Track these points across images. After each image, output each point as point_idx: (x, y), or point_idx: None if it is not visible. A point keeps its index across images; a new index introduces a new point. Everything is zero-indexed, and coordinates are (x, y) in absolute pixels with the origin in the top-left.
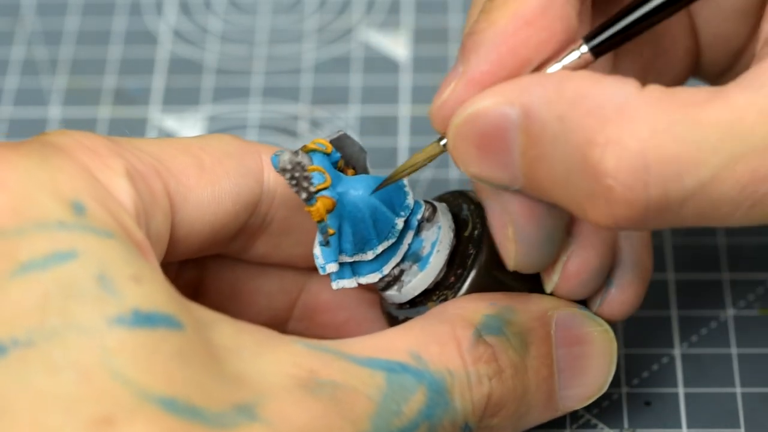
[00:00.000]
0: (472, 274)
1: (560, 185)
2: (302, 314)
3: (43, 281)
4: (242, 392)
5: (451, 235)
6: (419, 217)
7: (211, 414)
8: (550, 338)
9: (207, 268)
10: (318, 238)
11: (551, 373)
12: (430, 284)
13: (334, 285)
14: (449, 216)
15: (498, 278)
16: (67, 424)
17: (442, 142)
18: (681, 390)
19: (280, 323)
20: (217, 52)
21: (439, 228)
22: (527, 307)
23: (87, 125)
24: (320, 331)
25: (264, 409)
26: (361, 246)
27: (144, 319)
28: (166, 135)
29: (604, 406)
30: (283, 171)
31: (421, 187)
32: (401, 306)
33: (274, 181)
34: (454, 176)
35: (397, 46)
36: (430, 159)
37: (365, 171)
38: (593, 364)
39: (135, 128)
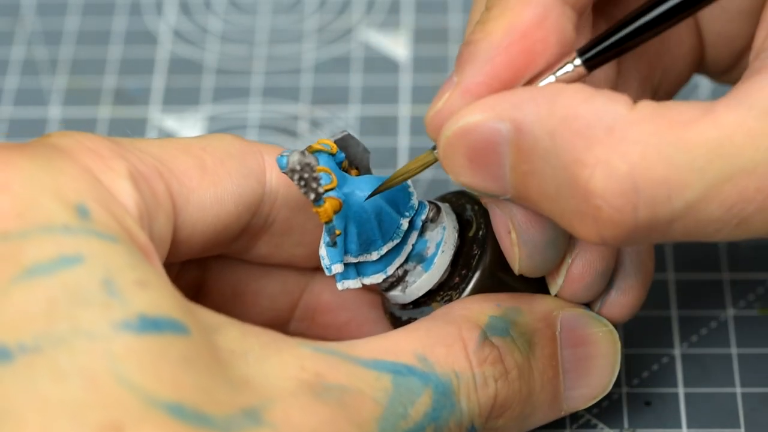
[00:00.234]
0: (477, 274)
1: (549, 200)
2: (304, 315)
3: (50, 286)
4: (248, 397)
5: (456, 235)
6: (423, 217)
7: (218, 419)
8: (556, 339)
9: (209, 268)
10: (324, 238)
11: (556, 374)
12: (435, 285)
13: (339, 285)
14: (453, 216)
15: (502, 279)
16: (75, 430)
17: (436, 151)
18: (681, 390)
19: (282, 324)
20: (217, 52)
21: (444, 228)
22: (532, 307)
23: (87, 125)
24: (322, 332)
25: (270, 413)
26: (366, 246)
27: (150, 325)
28: (166, 135)
29: (604, 406)
30: (291, 172)
31: (422, 187)
32: (405, 307)
33: (276, 181)
34: None
35: (397, 46)
36: (424, 167)
37: (368, 171)
38: (598, 365)
39: (135, 128)
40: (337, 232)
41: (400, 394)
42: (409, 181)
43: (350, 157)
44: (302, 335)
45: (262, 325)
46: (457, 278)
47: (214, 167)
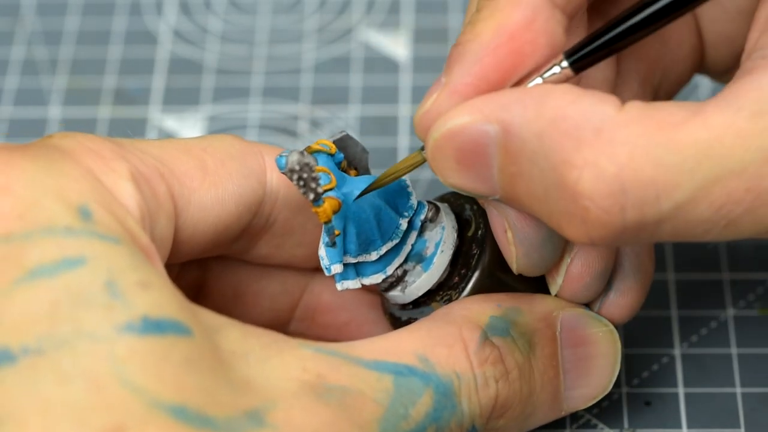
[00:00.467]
0: (476, 274)
1: (538, 201)
2: (304, 315)
3: (52, 288)
4: (251, 398)
5: (455, 235)
6: (422, 217)
7: (221, 421)
8: (556, 339)
9: (209, 269)
10: (324, 238)
11: (557, 374)
12: (434, 285)
13: (339, 286)
14: (452, 216)
15: (501, 279)
16: None
17: (424, 152)
18: (681, 390)
19: (282, 324)
20: (217, 52)
21: (443, 228)
22: (533, 308)
23: (87, 125)
24: (322, 332)
25: (272, 415)
26: (365, 247)
27: (153, 326)
28: (166, 135)
29: (604, 406)
30: (290, 172)
31: (422, 187)
32: (404, 307)
33: (276, 182)
34: None
35: (397, 46)
36: (413, 167)
37: (367, 171)
38: (598, 365)
39: (135, 128)
40: (336, 232)
41: (401, 394)
42: (408, 181)
43: (349, 158)
44: (302, 336)
45: (263, 326)
46: (457, 278)
47: (215, 168)
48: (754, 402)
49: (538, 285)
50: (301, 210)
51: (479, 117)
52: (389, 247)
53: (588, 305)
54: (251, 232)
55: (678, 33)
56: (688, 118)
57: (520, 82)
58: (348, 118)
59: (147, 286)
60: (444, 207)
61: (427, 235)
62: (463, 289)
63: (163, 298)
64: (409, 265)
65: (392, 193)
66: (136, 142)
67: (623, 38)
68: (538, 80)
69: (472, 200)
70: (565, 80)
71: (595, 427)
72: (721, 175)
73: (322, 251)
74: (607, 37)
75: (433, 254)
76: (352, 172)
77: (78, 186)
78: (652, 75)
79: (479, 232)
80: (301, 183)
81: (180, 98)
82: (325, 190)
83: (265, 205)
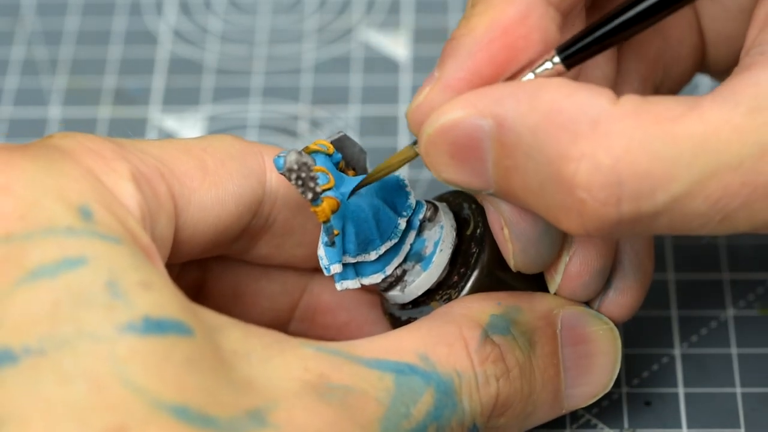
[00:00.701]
0: (475, 273)
1: (533, 194)
2: (304, 315)
3: (53, 288)
4: (252, 398)
5: (454, 234)
6: (421, 216)
7: (223, 421)
8: (556, 337)
9: (209, 269)
10: (323, 238)
11: (557, 372)
12: (433, 284)
13: (338, 286)
14: (451, 215)
15: (501, 277)
16: None
17: (417, 146)
18: (681, 390)
19: (282, 324)
20: (217, 52)
21: (442, 227)
22: (533, 306)
23: (87, 125)
24: (321, 332)
25: (274, 415)
26: (364, 246)
27: (154, 326)
28: (166, 135)
29: (604, 406)
30: (289, 171)
31: (422, 187)
32: (404, 306)
33: (276, 182)
34: None
35: (397, 46)
36: (405, 161)
37: (365, 172)
38: (598, 363)
39: (135, 128)
40: (335, 231)
41: (402, 393)
42: (406, 181)
43: (347, 158)
44: (302, 335)
45: (263, 326)
46: (456, 277)
47: (215, 168)
48: (754, 402)
49: (537, 283)
50: (301, 210)
51: (473, 111)
52: (388, 247)
53: (588, 304)
54: (251, 232)
55: (679, 31)
56: (685, 112)
57: (512, 77)
58: (348, 118)
59: (148, 286)
60: (442, 206)
61: (426, 234)
62: (463, 288)
63: (165, 298)
64: (408, 265)
65: (390, 192)
66: (136, 142)
67: (614, 34)
68: (530, 75)
69: (470, 199)
70: (557, 76)
71: (595, 427)
72: (718, 169)
73: (322, 251)
74: (598, 33)
75: (432, 253)
76: (350, 172)
77: (78, 186)
78: (652, 74)
79: (478, 230)
80: (300, 183)
81: (180, 98)
82: (324, 190)
83: (265, 205)
